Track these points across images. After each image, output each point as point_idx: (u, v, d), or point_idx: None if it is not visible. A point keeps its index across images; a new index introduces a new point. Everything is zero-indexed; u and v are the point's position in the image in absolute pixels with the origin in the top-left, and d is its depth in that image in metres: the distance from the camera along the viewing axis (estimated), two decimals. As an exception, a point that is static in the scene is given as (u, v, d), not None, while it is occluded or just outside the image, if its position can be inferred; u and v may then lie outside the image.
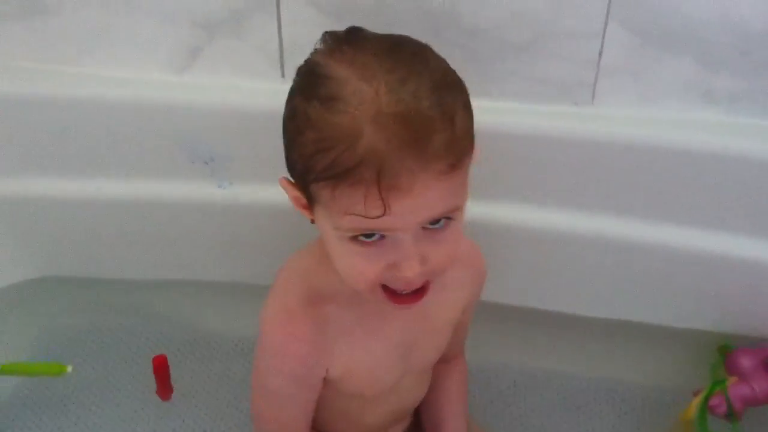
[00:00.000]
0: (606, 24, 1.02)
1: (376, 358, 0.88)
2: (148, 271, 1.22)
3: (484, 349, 1.15)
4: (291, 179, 0.78)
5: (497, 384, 1.16)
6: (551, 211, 1.12)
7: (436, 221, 0.73)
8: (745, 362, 1.10)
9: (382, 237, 0.72)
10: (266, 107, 1.07)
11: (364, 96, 0.69)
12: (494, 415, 1.12)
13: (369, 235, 0.72)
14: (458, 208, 0.74)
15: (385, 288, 0.76)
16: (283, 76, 1.10)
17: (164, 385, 1.12)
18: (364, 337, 0.87)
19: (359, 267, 0.75)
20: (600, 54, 1.05)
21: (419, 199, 0.69)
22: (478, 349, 1.11)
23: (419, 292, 0.77)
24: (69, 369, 1.09)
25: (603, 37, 1.03)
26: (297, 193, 0.77)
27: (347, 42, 0.75)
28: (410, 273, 0.73)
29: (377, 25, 1.03)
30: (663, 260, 1.12)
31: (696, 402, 1.07)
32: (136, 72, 1.11)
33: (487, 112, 1.06)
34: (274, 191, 1.10)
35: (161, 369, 1.11)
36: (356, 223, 0.70)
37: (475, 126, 1.03)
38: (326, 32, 0.76)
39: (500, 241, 1.12)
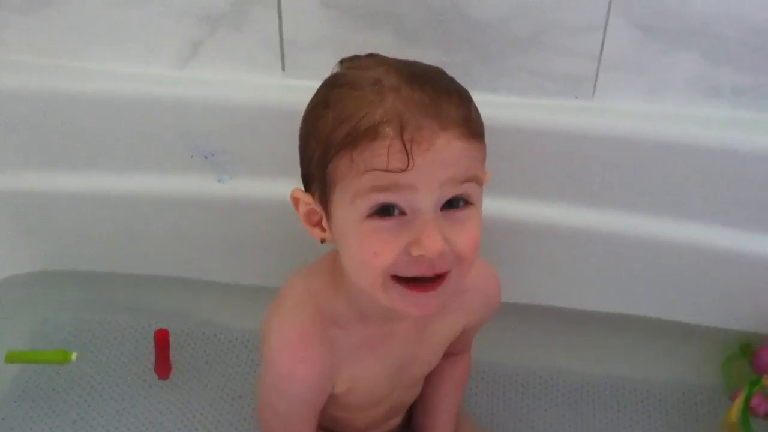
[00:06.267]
0: (608, 17, 1.02)
1: (375, 376, 0.88)
2: (146, 265, 1.21)
3: (488, 345, 1.14)
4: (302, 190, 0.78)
5: (499, 380, 1.15)
6: (551, 205, 1.12)
7: (455, 201, 0.72)
8: None
9: (402, 214, 0.71)
10: (267, 101, 1.09)
11: (382, 75, 0.71)
12: (496, 410, 1.12)
13: (388, 210, 0.70)
14: (478, 180, 0.73)
15: (400, 281, 0.73)
16: (283, 69, 1.10)
17: (163, 362, 1.12)
18: (367, 357, 0.86)
19: (375, 247, 0.71)
20: (602, 48, 1.04)
21: (441, 153, 0.69)
22: (481, 344, 1.11)
23: (438, 279, 0.73)
24: (74, 356, 1.08)
25: (605, 31, 1.03)
26: (310, 202, 0.77)
27: (364, 55, 0.78)
28: (433, 247, 0.69)
29: (379, 18, 1.04)
30: (664, 255, 1.12)
31: (737, 405, 1.06)
32: (137, 66, 1.11)
33: (489, 105, 1.07)
34: (273, 186, 1.11)
35: (162, 343, 1.11)
36: (377, 179, 0.69)
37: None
38: (343, 57, 0.79)
39: (499, 237, 1.11)
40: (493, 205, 1.09)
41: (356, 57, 0.78)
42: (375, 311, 0.82)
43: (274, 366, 0.85)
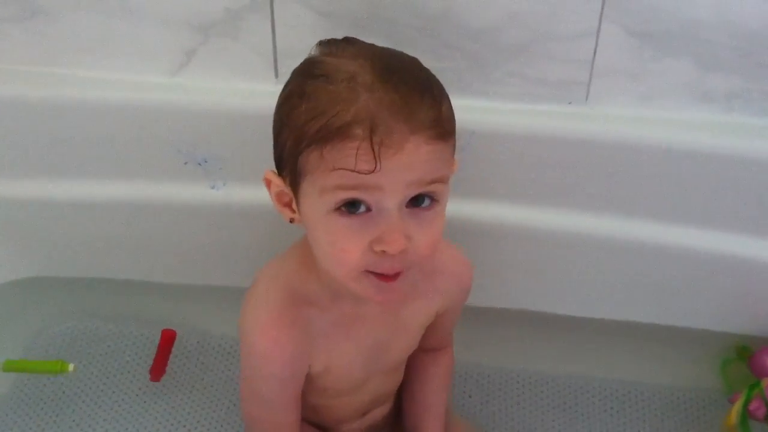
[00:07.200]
0: (600, 24, 1.02)
1: (351, 358, 0.90)
2: (140, 272, 1.22)
3: (484, 350, 1.15)
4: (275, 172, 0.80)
5: (495, 384, 1.16)
6: (545, 210, 1.12)
7: (421, 198, 0.74)
8: None
9: (368, 210, 0.73)
10: (260, 108, 1.06)
11: (357, 70, 0.72)
12: (491, 414, 1.12)
13: (354, 205, 0.73)
14: (444, 179, 0.75)
15: (371, 272, 0.76)
16: (277, 77, 1.10)
17: (161, 363, 1.12)
18: (341, 338, 0.88)
19: (343, 244, 0.74)
20: (594, 54, 1.05)
21: (409, 157, 0.71)
22: (476, 348, 1.11)
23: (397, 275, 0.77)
24: (71, 368, 1.08)
25: (597, 37, 1.03)
26: (281, 185, 0.79)
27: (341, 41, 0.79)
28: (395, 246, 0.73)
29: (373, 25, 1.04)
30: (661, 259, 1.12)
31: (736, 408, 1.06)
32: (131, 74, 1.11)
33: (483, 112, 1.07)
34: (267, 192, 1.11)
35: (166, 343, 1.12)
36: (344, 178, 0.71)
37: (472, 126, 1.05)
38: (321, 40, 0.80)
39: (493, 241, 1.13)
40: (487, 210, 1.11)
41: (334, 41, 0.79)
42: (346, 290, 0.83)
43: (251, 348, 0.87)
